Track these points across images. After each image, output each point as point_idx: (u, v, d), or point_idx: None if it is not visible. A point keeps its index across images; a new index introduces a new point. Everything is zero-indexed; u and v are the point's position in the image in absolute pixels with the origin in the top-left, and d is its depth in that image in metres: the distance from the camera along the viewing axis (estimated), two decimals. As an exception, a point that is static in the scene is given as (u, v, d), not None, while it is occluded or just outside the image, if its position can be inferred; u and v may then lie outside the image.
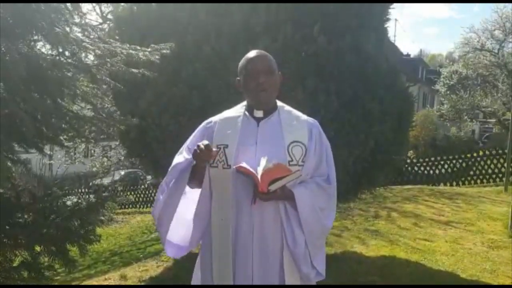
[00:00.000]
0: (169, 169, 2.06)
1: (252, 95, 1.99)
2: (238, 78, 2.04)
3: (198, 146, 1.85)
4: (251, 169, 1.81)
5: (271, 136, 1.96)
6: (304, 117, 2.07)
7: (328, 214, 2.03)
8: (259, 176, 1.78)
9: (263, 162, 1.83)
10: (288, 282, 1.93)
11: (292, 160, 1.91)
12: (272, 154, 1.88)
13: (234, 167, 1.87)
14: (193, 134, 2.12)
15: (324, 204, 1.99)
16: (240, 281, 1.94)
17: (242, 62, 2.02)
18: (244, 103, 2.09)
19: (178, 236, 2.11)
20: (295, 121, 2.03)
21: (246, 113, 2.04)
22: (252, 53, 2.01)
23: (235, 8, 4.10)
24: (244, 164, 1.83)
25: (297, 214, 1.91)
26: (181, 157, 2.04)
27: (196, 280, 2.14)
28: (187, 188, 2.03)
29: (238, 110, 2.08)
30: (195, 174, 1.96)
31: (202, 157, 1.85)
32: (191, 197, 2.05)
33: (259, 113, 2.01)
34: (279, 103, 2.08)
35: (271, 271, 1.93)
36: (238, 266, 1.94)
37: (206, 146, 1.83)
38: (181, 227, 2.09)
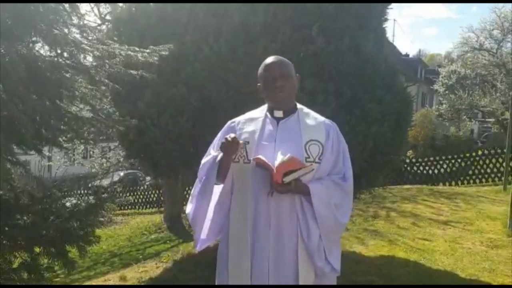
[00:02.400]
0: (199, 169, 2.17)
1: (270, 98, 2.13)
2: (259, 84, 2.16)
3: (226, 138, 1.98)
4: (267, 161, 1.92)
5: (290, 135, 2.08)
6: (322, 118, 2.19)
7: (344, 211, 2.11)
8: (274, 168, 1.88)
9: (279, 156, 1.93)
10: (301, 274, 1.99)
11: (309, 157, 2.01)
12: (290, 150, 1.97)
13: (252, 158, 1.99)
14: (218, 135, 2.24)
15: (340, 200, 2.08)
16: (256, 274, 2.01)
17: (260, 68, 2.15)
18: (266, 105, 2.20)
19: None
20: (313, 122, 2.15)
21: (267, 113, 2.16)
22: (269, 59, 2.14)
23: (234, 8, 4.10)
24: (261, 156, 1.95)
25: (312, 209, 2.00)
26: (208, 157, 2.16)
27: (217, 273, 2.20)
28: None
29: (260, 111, 2.21)
30: (220, 170, 2.06)
31: (229, 148, 1.99)
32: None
33: (279, 113, 2.13)
34: (298, 105, 2.20)
35: (287, 263, 2.00)
36: (255, 257, 2.01)
37: (233, 138, 1.96)
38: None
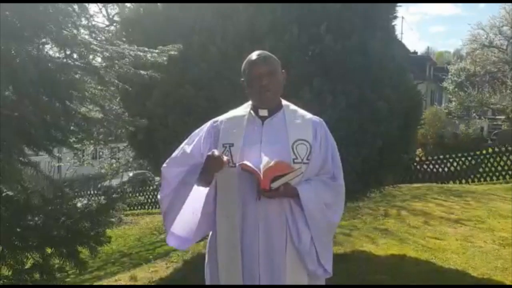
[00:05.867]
0: (173, 157, 2.11)
1: (255, 96, 2.03)
2: (242, 79, 2.07)
3: (210, 155, 1.89)
4: (253, 167, 1.84)
5: (276, 135, 1.99)
6: (309, 115, 2.10)
7: (335, 210, 2.04)
8: (261, 174, 1.81)
9: (265, 160, 1.86)
10: (289, 279, 1.93)
11: (296, 158, 1.94)
12: (277, 152, 1.91)
13: (237, 164, 1.91)
14: (200, 129, 2.13)
15: (330, 200, 2.01)
16: (247, 277, 1.96)
17: (244, 64, 2.05)
18: (250, 102, 2.12)
19: (183, 229, 2.13)
20: (300, 120, 2.05)
21: (252, 112, 2.07)
22: (254, 55, 2.04)
23: (240, 8, 4.10)
24: (246, 162, 1.87)
25: (302, 211, 1.93)
26: (186, 150, 2.06)
27: (207, 278, 2.15)
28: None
29: (243, 109, 2.11)
30: (203, 176, 1.96)
31: (214, 166, 1.90)
32: (194, 194, 2.05)
33: (264, 112, 2.04)
34: (284, 102, 2.11)
35: (277, 266, 1.94)
36: (245, 263, 1.96)
37: (218, 157, 1.87)
38: (186, 222, 2.11)
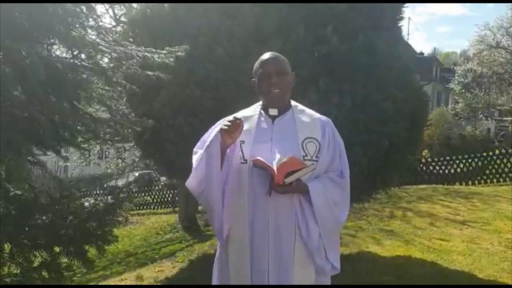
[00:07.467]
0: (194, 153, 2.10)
1: (265, 95, 2.09)
2: (253, 79, 2.14)
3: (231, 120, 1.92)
4: (267, 163, 1.89)
5: (286, 133, 2.05)
6: (317, 115, 2.16)
7: (342, 208, 2.09)
8: (275, 169, 1.86)
9: (278, 157, 1.91)
10: (297, 274, 1.97)
11: (306, 156, 1.99)
12: (287, 150, 1.96)
13: (251, 160, 1.95)
14: (210, 130, 2.16)
15: (338, 198, 2.06)
16: (256, 275, 1.99)
17: (256, 63, 2.13)
18: (260, 102, 2.18)
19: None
20: (308, 119, 2.12)
21: (262, 111, 2.13)
22: (265, 55, 2.12)
23: (246, 9, 4.11)
24: (260, 158, 1.92)
25: (311, 207, 1.98)
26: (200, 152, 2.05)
27: (215, 277, 2.17)
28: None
29: (254, 109, 2.18)
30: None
31: (231, 129, 1.91)
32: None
33: (273, 112, 2.11)
34: (293, 102, 2.18)
35: (286, 262, 1.97)
36: (254, 258, 1.99)
37: (233, 120, 1.91)
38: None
